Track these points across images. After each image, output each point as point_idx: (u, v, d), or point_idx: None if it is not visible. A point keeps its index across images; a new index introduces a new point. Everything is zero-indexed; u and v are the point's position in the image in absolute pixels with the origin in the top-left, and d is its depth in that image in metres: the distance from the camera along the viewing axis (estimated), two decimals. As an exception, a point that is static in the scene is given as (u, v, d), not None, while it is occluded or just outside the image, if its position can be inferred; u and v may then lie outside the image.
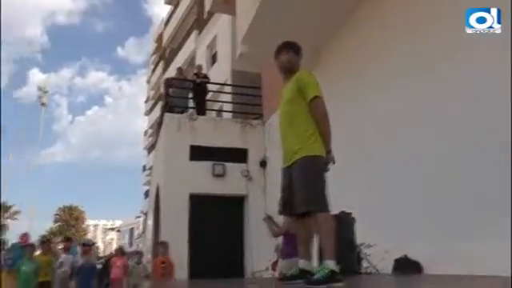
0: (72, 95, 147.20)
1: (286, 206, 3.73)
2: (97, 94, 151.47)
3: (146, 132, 41.60)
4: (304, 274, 3.54)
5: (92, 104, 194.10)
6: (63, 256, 10.60)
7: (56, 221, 59.28)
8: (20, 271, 8.00)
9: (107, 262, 11.04)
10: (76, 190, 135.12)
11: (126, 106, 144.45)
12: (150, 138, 35.53)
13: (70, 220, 59.37)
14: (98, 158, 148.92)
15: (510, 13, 4.44)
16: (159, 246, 8.53)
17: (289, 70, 3.89)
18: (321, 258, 3.64)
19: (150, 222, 13.75)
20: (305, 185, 3.50)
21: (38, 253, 9.13)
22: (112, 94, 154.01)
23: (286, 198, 3.72)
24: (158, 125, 14.45)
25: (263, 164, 11.04)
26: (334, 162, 3.69)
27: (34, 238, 11.83)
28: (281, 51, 3.95)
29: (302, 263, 3.74)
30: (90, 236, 58.89)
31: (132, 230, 52.35)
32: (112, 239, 52.61)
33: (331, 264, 3.28)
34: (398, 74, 6.30)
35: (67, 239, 11.28)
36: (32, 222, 36.37)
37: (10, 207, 45.32)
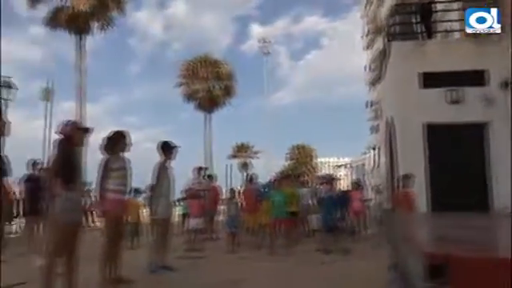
0: (290, 43, 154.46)
1: None
2: (313, 37, 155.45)
3: (366, 67, 40.97)
4: None
5: (310, 48, 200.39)
6: (304, 190, 11.40)
7: (289, 159, 64.34)
8: (273, 201, 8.86)
9: (344, 194, 11.39)
10: (303, 129, 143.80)
11: (342, 44, 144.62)
12: (372, 73, 34.85)
13: (301, 158, 63.70)
14: (320, 98, 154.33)
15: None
16: (403, 179, 8.33)
17: None
18: None
19: (384, 157, 13.61)
20: None
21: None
22: (328, 35, 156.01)
23: None
24: (382, 56, 13.93)
25: (507, 85, 9.65)
26: None
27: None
28: None
29: None
30: (320, 173, 62.42)
31: (360, 166, 53.27)
32: (342, 175, 54.51)
33: None
34: None
35: (300, 175, 12.04)
36: (269, 161, 40.10)
37: (251, 147, 51.04)
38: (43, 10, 22.25)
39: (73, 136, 4.32)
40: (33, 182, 8.45)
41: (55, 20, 21.97)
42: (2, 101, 13.82)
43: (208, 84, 32.24)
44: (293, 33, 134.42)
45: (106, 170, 5.23)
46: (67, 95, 66.24)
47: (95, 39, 25.00)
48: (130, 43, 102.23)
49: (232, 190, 10.44)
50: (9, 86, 14.45)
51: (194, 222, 9.67)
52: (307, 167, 61.93)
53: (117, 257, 5.34)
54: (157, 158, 6.57)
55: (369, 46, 38.56)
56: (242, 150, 51.18)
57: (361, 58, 46.12)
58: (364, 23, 41.59)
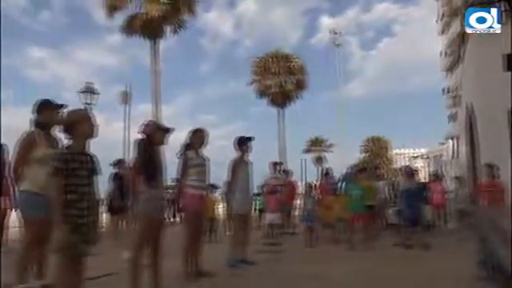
0: (361, 32, 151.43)
1: None
2: (384, 25, 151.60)
3: (442, 52, 39.14)
4: None
5: (381, 36, 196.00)
6: (381, 182, 11.13)
7: (364, 151, 63.09)
8: (351, 195, 8.72)
9: (423, 187, 10.99)
10: (378, 121, 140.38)
11: (415, 30, 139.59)
12: (449, 58, 33.29)
13: (376, 150, 62.30)
14: (394, 87, 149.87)
15: None
16: (486, 169, 7.90)
17: None
18: None
19: (464, 146, 12.98)
20: None
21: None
22: (400, 22, 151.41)
23: None
24: (459, 40, 13.26)
25: None
26: None
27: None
28: None
29: None
30: (395, 165, 60.76)
31: (437, 156, 51.17)
32: (419, 167, 52.64)
33: None
34: None
35: (376, 168, 11.71)
36: (343, 154, 39.44)
37: (324, 141, 50.65)
38: (119, 19, 23.39)
39: (154, 135, 4.50)
40: (118, 180, 8.92)
41: (131, 27, 23.00)
42: (87, 105, 14.69)
43: (280, 79, 32.32)
44: (363, 22, 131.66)
45: (185, 167, 5.41)
46: (143, 98, 69.14)
47: (168, 42, 25.93)
48: (202, 43, 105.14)
49: (309, 185, 10.39)
50: (92, 91, 15.34)
51: (270, 217, 9.75)
52: (382, 159, 60.47)
53: (197, 251, 5.52)
54: (231, 154, 6.70)
55: (444, 31, 36.78)
56: (315, 144, 50.93)
57: (436, 44, 44.27)
58: (438, 6, 39.76)
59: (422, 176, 33.63)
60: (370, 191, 9.04)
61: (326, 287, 5.03)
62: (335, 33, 42.21)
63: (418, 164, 57.91)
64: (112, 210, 9.22)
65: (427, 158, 57.26)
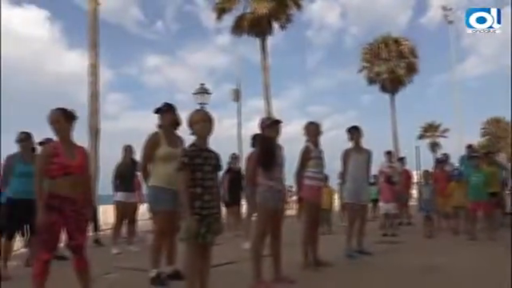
0: (475, 6, 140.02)
1: None
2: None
3: None
4: None
5: (499, 6, 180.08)
6: (504, 168, 10.32)
7: (483, 135, 58.48)
8: (470, 182, 8.18)
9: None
10: (498, 101, 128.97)
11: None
12: None
13: (498, 133, 57.47)
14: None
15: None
16: None
17: None
18: None
19: None
20: None
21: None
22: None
23: None
24: None
25: None
26: None
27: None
28: None
29: None
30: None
31: None
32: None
33: None
34: None
35: (497, 152, 10.91)
36: (460, 139, 36.79)
37: (438, 126, 47.89)
38: (228, 20, 24.18)
39: (264, 130, 4.67)
40: (233, 174, 9.32)
41: (239, 27, 23.66)
42: (201, 105, 15.41)
43: (390, 64, 31.26)
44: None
45: (304, 159, 5.51)
46: (253, 93, 70.87)
47: (276, 38, 26.15)
48: (308, 35, 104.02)
49: (426, 172, 9.95)
50: (205, 91, 16.09)
51: (385, 207, 9.54)
52: (506, 142, 55.67)
53: (315, 241, 5.61)
54: (344, 144, 6.69)
55: None
56: (429, 130, 48.38)
57: None
58: None
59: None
60: (492, 177, 8.38)
61: (449, 280, 4.78)
62: (447, 9, 39.50)
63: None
64: (228, 203, 9.63)
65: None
